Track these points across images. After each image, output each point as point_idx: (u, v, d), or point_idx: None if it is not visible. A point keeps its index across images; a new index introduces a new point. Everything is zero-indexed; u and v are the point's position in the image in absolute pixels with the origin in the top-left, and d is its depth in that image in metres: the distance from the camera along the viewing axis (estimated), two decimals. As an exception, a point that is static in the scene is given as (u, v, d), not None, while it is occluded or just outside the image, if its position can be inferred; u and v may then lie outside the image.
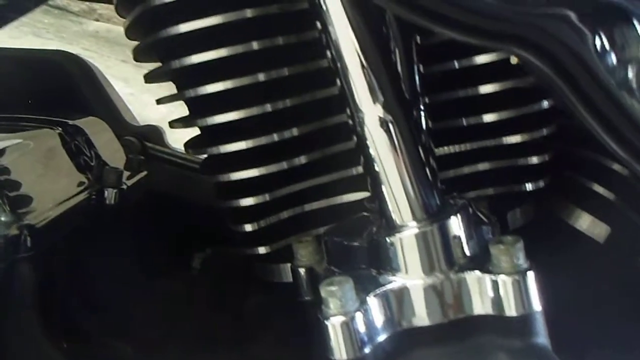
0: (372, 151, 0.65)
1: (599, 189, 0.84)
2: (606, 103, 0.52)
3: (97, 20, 5.30)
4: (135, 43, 0.81)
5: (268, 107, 0.72)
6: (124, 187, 1.05)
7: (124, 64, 4.46)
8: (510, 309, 0.60)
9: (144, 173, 1.18)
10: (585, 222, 0.86)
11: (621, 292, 0.79)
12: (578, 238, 0.85)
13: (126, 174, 1.11)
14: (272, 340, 0.84)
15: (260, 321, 0.87)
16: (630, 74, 0.48)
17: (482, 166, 0.81)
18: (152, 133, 1.36)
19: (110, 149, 1.11)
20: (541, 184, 0.82)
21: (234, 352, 0.87)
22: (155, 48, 0.78)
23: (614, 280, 0.81)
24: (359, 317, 0.59)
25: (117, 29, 5.11)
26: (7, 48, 1.48)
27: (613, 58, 0.47)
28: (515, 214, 0.83)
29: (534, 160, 0.79)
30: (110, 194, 1.00)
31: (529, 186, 0.81)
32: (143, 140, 1.33)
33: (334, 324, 0.58)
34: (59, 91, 1.27)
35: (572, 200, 0.87)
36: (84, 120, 1.10)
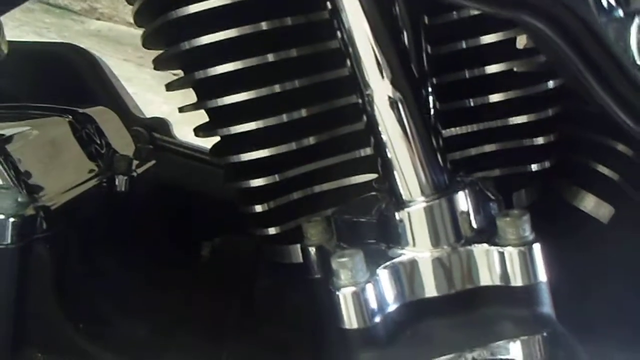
0: (381, 129, 0.66)
1: (603, 169, 0.86)
2: (615, 73, 0.54)
3: (99, 19, 5.32)
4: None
5: (277, 88, 0.74)
6: (134, 174, 1.06)
7: (127, 63, 4.47)
8: (516, 280, 0.61)
9: (153, 162, 1.20)
10: (590, 203, 0.87)
11: (625, 270, 0.80)
12: (582, 219, 0.87)
13: (135, 162, 1.13)
14: (283, 320, 0.85)
15: (270, 302, 0.89)
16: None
17: (489, 147, 0.82)
18: (159, 125, 1.38)
19: (119, 138, 1.13)
20: (547, 164, 0.83)
21: (245, 333, 0.88)
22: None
23: (618, 259, 0.82)
24: (369, 287, 0.60)
25: (119, 27, 5.13)
26: (15, 41, 1.50)
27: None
28: (521, 195, 0.85)
29: (540, 140, 0.81)
30: (120, 181, 1.02)
31: (534, 167, 0.82)
32: (151, 131, 1.35)
33: (344, 294, 0.60)
34: (67, 82, 1.28)
35: (576, 182, 0.88)
36: (93, 109, 1.11)
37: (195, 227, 1.20)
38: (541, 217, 0.84)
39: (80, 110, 1.06)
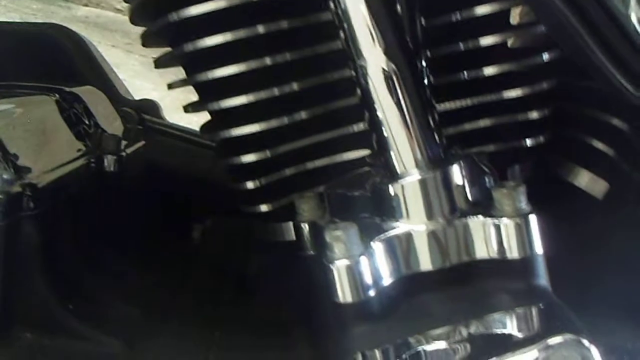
0: (375, 101, 0.65)
1: (598, 145, 0.85)
2: (617, 37, 0.52)
3: (86, 5, 5.27)
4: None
5: (267, 61, 0.72)
6: (123, 154, 1.04)
7: (115, 49, 4.44)
8: (512, 252, 0.60)
9: (142, 143, 1.18)
10: (584, 179, 0.86)
11: (620, 245, 0.79)
12: (576, 195, 0.86)
13: (124, 143, 1.11)
14: (277, 299, 0.84)
15: (264, 281, 0.88)
16: None
17: (483, 122, 0.81)
18: (149, 107, 1.36)
19: (108, 118, 1.11)
20: (541, 139, 0.82)
21: (238, 313, 0.87)
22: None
23: (612, 235, 0.81)
24: (363, 261, 0.59)
25: (107, 14, 5.09)
26: (1, 22, 1.47)
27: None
28: (515, 170, 0.84)
29: (534, 115, 0.80)
30: (109, 161, 1.00)
31: (529, 142, 0.82)
32: (140, 113, 1.33)
33: (338, 267, 0.59)
34: (54, 62, 1.26)
35: (571, 157, 0.87)
36: (81, 89, 1.09)
37: (186, 208, 1.18)
38: (535, 192, 0.84)
39: (67, 89, 1.04)
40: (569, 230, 0.79)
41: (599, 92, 0.77)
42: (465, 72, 0.76)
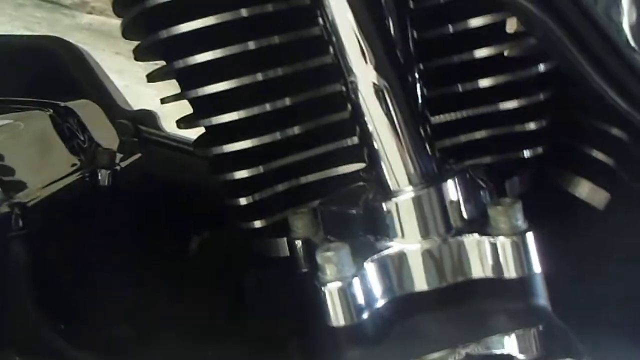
0: (366, 117, 0.64)
1: (598, 155, 0.83)
2: (608, 54, 0.51)
3: (90, 13, 5.28)
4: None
5: (259, 77, 0.71)
6: (118, 168, 1.03)
7: (118, 56, 4.44)
8: (510, 271, 0.59)
9: (138, 155, 1.17)
10: (585, 190, 0.85)
11: (622, 258, 0.78)
12: (577, 205, 0.84)
13: (119, 156, 1.11)
14: (270, 317, 0.83)
15: (258, 298, 0.87)
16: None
17: (479, 134, 0.79)
18: (146, 117, 1.35)
19: (103, 131, 1.10)
20: (539, 150, 0.80)
21: (232, 331, 0.86)
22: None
23: (613, 246, 0.80)
24: (356, 282, 0.58)
25: (110, 21, 5.09)
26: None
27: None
28: (514, 182, 0.82)
29: (532, 126, 0.78)
30: (103, 175, 0.99)
31: (527, 153, 0.80)
32: (136, 124, 1.32)
33: (330, 289, 0.57)
34: (51, 75, 1.26)
35: (571, 168, 0.86)
36: (75, 103, 1.09)
37: (184, 221, 1.17)
38: (535, 204, 0.82)
39: (62, 104, 1.03)
40: (569, 243, 0.78)
41: (597, 102, 0.75)
42: (460, 84, 0.75)
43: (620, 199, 0.81)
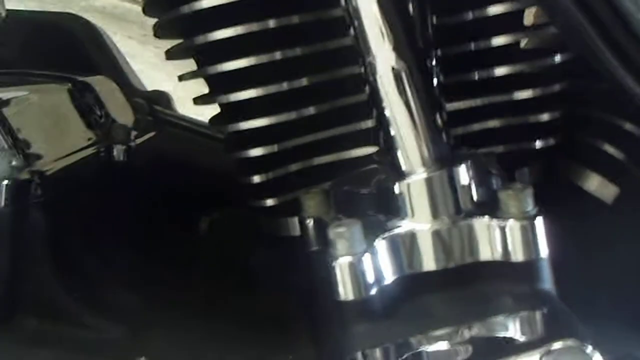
0: (383, 98, 0.65)
1: (608, 148, 0.84)
2: (631, 43, 0.52)
3: (104, -5, 5.29)
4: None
5: (277, 55, 0.72)
6: (132, 145, 1.05)
7: (130, 40, 4.44)
8: (517, 255, 0.60)
9: (152, 133, 1.18)
10: (594, 183, 0.85)
11: (630, 252, 0.78)
12: (586, 199, 0.85)
13: (134, 133, 1.12)
14: (280, 295, 0.84)
15: (268, 276, 0.88)
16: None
17: (492, 123, 0.80)
18: (160, 98, 1.36)
19: (119, 108, 1.11)
20: (551, 141, 0.81)
21: (242, 307, 0.87)
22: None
23: (622, 241, 0.80)
24: (366, 258, 0.59)
25: (123, 4, 5.10)
26: (16, 10, 1.48)
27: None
28: (524, 173, 0.83)
29: (545, 117, 0.79)
30: (118, 151, 1.00)
31: (538, 144, 0.81)
32: (151, 104, 1.33)
33: (341, 264, 0.58)
34: (68, 52, 1.27)
35: (581, 161, 0.86)
36: (93, 78, 1.09)
37: (195, 200, 1.18)
38: (544, 196, 0.83)
39: (80, 79, 1.04)
40: (577, 234, 0.79)
41: (610, 95, 0.76)
42: (476, 72, 0.76)
43: (630, 193, 0.82)
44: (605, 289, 0.72)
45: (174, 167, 1.17)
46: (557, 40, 0.75)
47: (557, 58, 0.76)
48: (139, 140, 1.09)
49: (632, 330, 0.67)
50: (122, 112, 1.11)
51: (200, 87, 0.86)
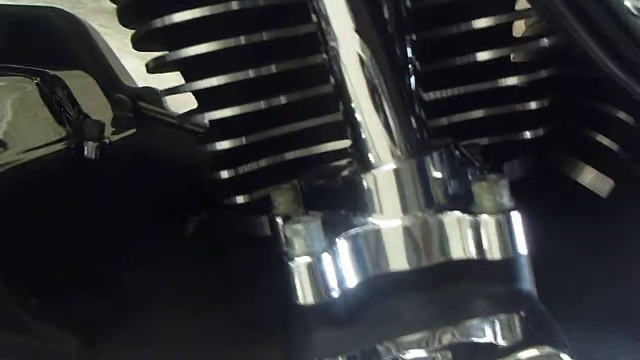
0: (348, 86, 0.59)
1: (603, 140, 0.79)
2: (613, 27, 0.47)
3: (114, -3, 5.27)
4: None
5: (242, 40, 0.67)
6: (107, 141, 1.00)
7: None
8: (493, 253, 0.54)
9: (132, 130, 1.14)
10: (588, 176, 0.80)
11: (623, 247, 0.73)
12: (580, 192, 0.80)
13: (112, 130, 1.08)
14: (252, 297, 0.79)
15: (241, 278, 0.83)
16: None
17: (477, 113, 0.75)
18: (149, 95, 1.32)
19: (94, 104, 1.07)
20: (540, 132, 0.76)
21: (213, 311, 0.82)
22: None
23: (615, 235, 0.75)
24: (326, 258, 0.54)
25: (133, 6, 5.10)
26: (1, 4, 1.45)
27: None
28: (513, 165, 0.78)
29: (532, 105, 0.74)
30: (90, 147, 0.96)
31: (527, 134, 0.76)
32: (136, 100, 1.29)
33: (298, 264, 0.53)
34: (51, 46, 1.23)
35: (575, 153, 0.81)
36: (67, 73, 1.05)
37: (180, 199, 1.14)
38: (536, 189, 0.77)
39: (51, 72, 1.00)
40: (568, 229, 0.74)
41: (602, 83, 0.70)
42: (456, 58, 0.71)
43: (625, 186, 0.76)
44: (595, 288, 0.66)
45: (154, 165, 1.12)
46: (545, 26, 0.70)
47: (545, 42, 0.70)
48: (115, 137, 1.04)
49: (619, 332, 0.61)
50: (97, 108, 1.06)
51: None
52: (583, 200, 0.80)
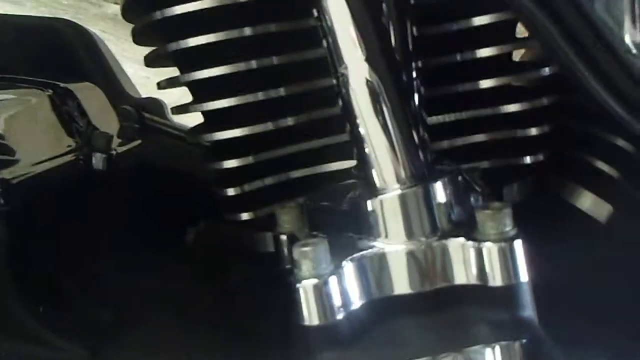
0: (356, 111, 0.61)
1: (602, 166, 0.80)
2: (609, 61, 0.49)
3: (117, 3, 5.29)
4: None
5: (253, 64, 0.69)
6: (114, 153, 1.02)
7: (141, 48, 4.45)
8: (495, 279, 0.56)
9: (138, 142, 1.15)
10: (587, 201, 0.82)
11: (621, 273, 0.75)
12: (579, 217, 0.81)
13: (118, 141, 1.09)
14: (253, 314, 0.80)
15: (243, 294, 0.84)
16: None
17: (478, 137, 0.77)
18: (153, 105, 1.34)
19: (103, 115, 1.09)
20: (540, 157, 0.78)
21: (215, 326, 0.84)
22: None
23: (614, 261, 0.77)
24: (332, 281, 0.55)
25: (135, 12, 5.11)
26: (9, 15, 1.46)
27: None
28: (512, 189, 0.79)
29: (533, 131, 0.75)
30: (98, 159, 0.97)
31: (527, 159, 0.77)
32: (141, 111, 1.30)
33: (305, 286, 0.55)
34: (59, 57, 1.24)
35: (574, 178, 0.83)
36: (76, 85, 1.07)
37: (181, 210, 1.15)
38: (535, 214, 0.79)
39: (62, 85, 1.01)
40: (567, 255, 0.75)
41: (602, 111, 0.72)
42: (459, 85, 0.72)
43: (624, 212, 0.78)
44: (595, 314, 0.68)
45: (159, 177, 1.14)
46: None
47: (546, 70, 0.72)
48: (121, 149, 1.06)
49: (618, 357, 0.63)
50: (106, 120, 1.08)
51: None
52: (581, 225, 0.81)
